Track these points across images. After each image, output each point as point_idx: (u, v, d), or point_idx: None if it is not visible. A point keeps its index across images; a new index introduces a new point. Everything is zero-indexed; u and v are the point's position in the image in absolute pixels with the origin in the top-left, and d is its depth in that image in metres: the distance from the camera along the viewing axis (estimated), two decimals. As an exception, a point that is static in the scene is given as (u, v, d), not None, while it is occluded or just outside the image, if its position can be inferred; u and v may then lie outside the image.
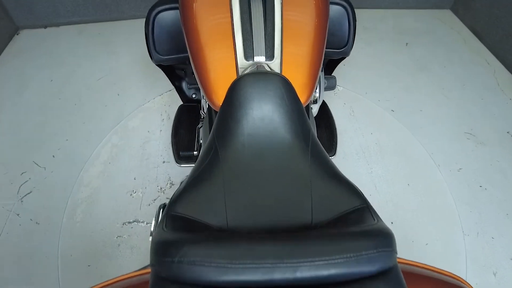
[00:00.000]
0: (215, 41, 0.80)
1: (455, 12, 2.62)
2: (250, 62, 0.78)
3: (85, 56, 2.25)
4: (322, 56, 0.87)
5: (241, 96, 0.71)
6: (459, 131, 1.82)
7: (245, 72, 0.77)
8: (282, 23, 0.80)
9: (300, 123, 0.72)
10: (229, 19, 0.80)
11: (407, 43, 2.35)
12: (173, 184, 1.53)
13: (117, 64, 2.17)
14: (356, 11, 2.66)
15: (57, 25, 2.49)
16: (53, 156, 1.68)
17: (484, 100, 1.98)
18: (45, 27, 2.49)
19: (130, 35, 2.39)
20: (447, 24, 2.53)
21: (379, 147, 1.69)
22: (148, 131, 1.74)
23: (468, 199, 1.53)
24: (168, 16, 1.06)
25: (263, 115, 0.70)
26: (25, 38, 2.40)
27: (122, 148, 1.67)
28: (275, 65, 0.78)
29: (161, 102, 1.88)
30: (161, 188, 1.52)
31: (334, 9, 1.08)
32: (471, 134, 1.80)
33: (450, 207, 1.50)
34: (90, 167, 1.61)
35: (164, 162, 1.61)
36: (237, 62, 0.78)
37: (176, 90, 1.41)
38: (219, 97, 0.78)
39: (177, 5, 0.97)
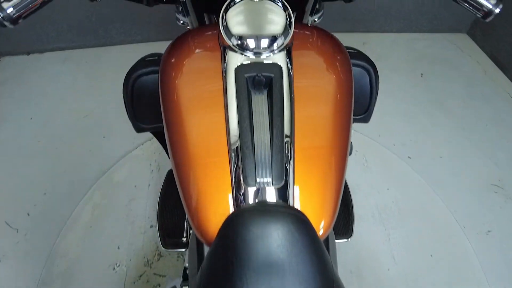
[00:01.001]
0: (205, 157, 0.60)
1: (472, 37, 2.42)
2: (252, 187, 0.58)
3: (70, 88, 2.05)
4: (346, 162, 0.67)
5: (238, 242, 0.52)
6: (484, 183, 1.62)
7: (245, 203, 0.57)
8: (293, 129, 0.60)
9: (321, 278, 0.53)
10: (224, 125, 0.61)
11: (422, 74, 2.15)
12: (161, 256, 1.33)
13: (104, 98, 1.97)
14: (366, 35, 2.44)
15: (41, 51, 2.30)
16: (28, 215, 1.49)
17: (511, 144, 1.79)
18: (28, 53, 2.30)
19: (119, 63, 2.19)
20: (464, 51, 2.33)
21: (397, 207, 1.49)
22: (135, 186, 1.54)
23: (501, 271, 1.34)
24: (150, 80, 0.86)
25: (270, 275, 0.51)
26: (6, 67, 2.20)
27: (105, 207, 1.47)
28: (284, 190, 0.58)
29: (151, 149, 1.69)
30: (148, 261, 1.32)
31: (355, 72, 0.88)
32: (498, 186, 1.61)
33: (481, 283, 1.30)
34: (68, 231, 1.42)
35: (151, 226, 1.41)
36: (234, 187, 0.58)
37: (166, 152, 1.22)
38: (209, 231, 0.59)
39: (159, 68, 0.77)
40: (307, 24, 0.77)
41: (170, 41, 0.82)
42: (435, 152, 1.73)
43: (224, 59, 0.64)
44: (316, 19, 1.04)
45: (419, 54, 2.30)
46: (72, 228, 1.43)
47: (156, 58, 0.92)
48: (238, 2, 0.62)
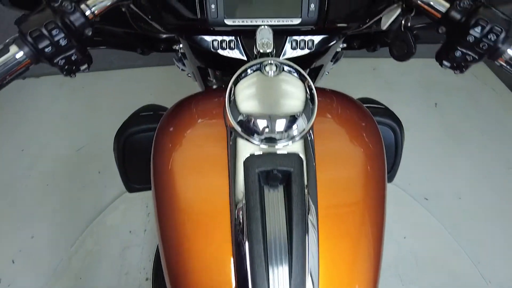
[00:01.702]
0: (203, 267, 0.49)
1: (487, 63, 2.31)
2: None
3: (65, 116, 1.95)
4: (382, 253, 0.57)
5: None
6: (509, 229, 1.49)
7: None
8: (318, 238, 0.49)
9: None
10: (228, 224, 0.49)
11: (436, 104, 2.04)
12: (157, 316, 1.21)
13: (101, 127, 1.85)
14: (376, 60, 2.30)
15: (37, 75, 2.20)
16: (13, 262, 1.37)
17: (535, 184, 1.66)
18: (24, 77, 2.20)
19: (117, 89, 2.10)
20: (479, 78, 2.22)
21: (414, 259, 1.36)
22: (130, 231, 1.42)
23: (532, 336, 1.21)
24: (144, 138, 0.76)
25: None
26: (-1, 91, 2.10)
27: (97, 255, 1.36)
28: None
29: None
30: (142, 322, 1.20)
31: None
32: (524, 233, 1.48)
33: None
34: (56, 283, 1.30)
35: (147, 279, 1.29)
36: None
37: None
38: None
39: (155, 125, 0.66)
40: (324, 89, 0.66)
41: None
42: (453, 193, 1.61)
43: (230, 138, 0.53)
44: (332, 66, 0.94)
45: (432, 81, 2.19)
46: (60, 279, 1.31)
47: (152, 113, 0.82)
48: (250, 74, 0.50)
